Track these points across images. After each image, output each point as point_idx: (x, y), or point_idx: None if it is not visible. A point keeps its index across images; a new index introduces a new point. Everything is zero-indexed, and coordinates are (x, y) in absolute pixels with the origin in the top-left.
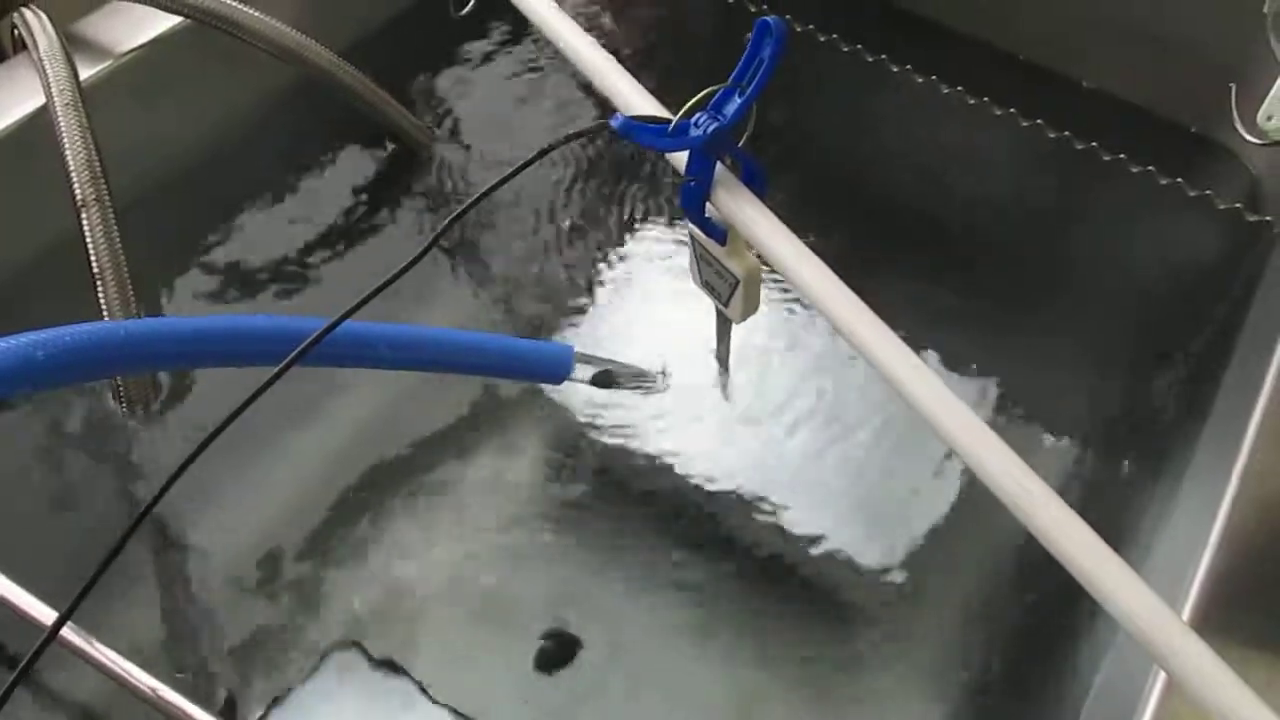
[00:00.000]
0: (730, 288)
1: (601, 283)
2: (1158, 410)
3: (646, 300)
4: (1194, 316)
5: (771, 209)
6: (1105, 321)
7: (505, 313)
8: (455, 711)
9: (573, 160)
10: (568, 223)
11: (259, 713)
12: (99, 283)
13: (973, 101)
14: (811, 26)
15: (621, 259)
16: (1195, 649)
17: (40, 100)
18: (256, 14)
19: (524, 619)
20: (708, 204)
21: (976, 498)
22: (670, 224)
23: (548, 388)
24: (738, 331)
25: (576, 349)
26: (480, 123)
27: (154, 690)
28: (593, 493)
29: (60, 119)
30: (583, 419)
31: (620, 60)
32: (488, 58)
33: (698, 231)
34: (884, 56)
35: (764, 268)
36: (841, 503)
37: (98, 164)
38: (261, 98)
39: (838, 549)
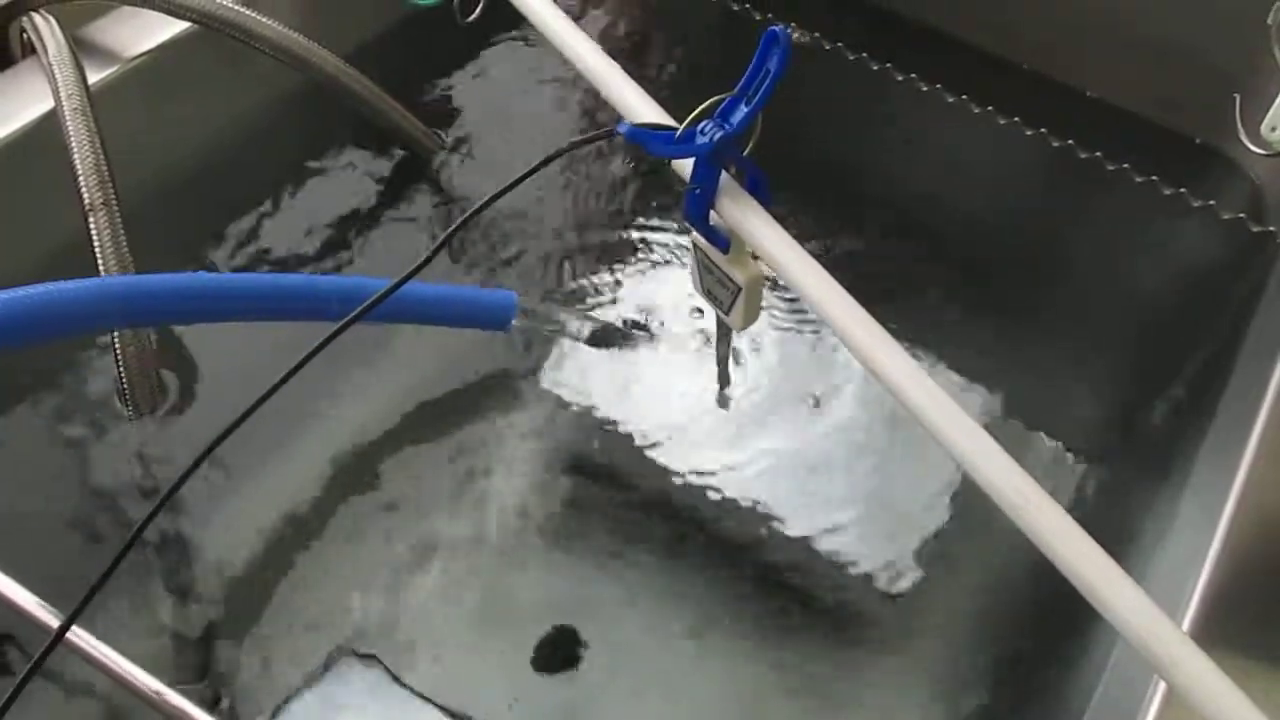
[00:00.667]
0: (732, 296)
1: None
2: (1159, 421)
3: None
4: (1196, 327)
5: (774, 217)
6: (1107, 331)
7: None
8: (454, 715)
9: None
10: (573, 230)
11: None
12: None
13: (977, 110)
14: (816, 34)
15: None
16: (1195, 659)
17: (49, 104)
18: (263, 19)
19: (524, 622)
20: (712, 212)
21: (977, 506)
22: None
23: (552, 383)
24: (741, 338)
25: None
26: (486, 128)
27: (158, 694)
28: (594, 495)
29: (69, 123)
30: (585, 420)
31: (623, 67)
32: (494, 63)
33: (701, 239)
34: (889, 65)
35: (765, 278)
36: (844, 508)
37: (105, 168)
38: (268, 103)
39: (839, 554)
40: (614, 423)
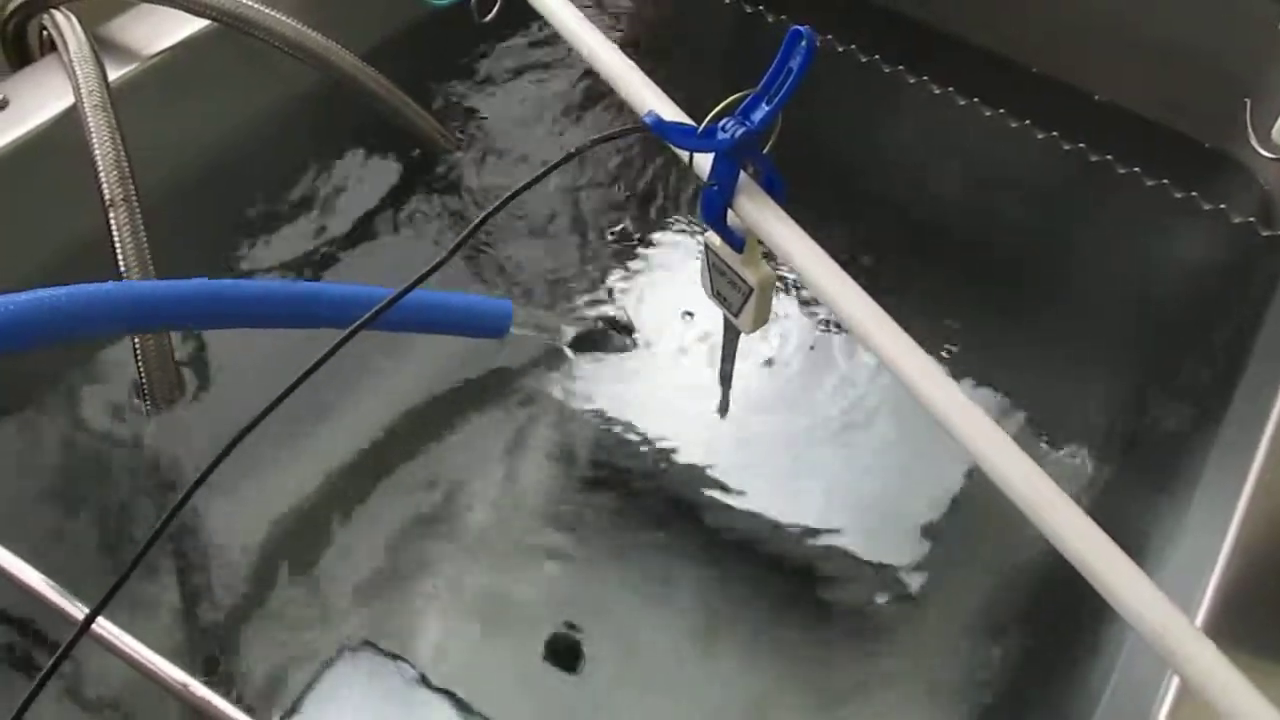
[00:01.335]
0: (743, 297)
1: (619, 287)
2: (1170, 422)
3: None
4: (1207, 330)
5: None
6: (1118, 333)
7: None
8: (463, 705)
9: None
10: (591, 228)
11: (277, 713)
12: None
13: (988, 113)
14: (830, 37)
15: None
16: (1209, 654)
17: (69, 101)
18: (281, 17)
19: (531, 620)
20: (729, 211)
21: (989, 503)
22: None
23: (554, 384)
24: (749, 339)
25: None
26: (504, 127)
27: (184, 685)
28: (598, 495)
29: (89, 119)
30: (589, 422)
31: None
32: (511, 63)
33: (714, 240)
34: (901, 68)
35: (776, 280)
36: (852, 507)
37: (126, 164)
38: (286, 100)
39: (848, 553)
40: (618, 424)
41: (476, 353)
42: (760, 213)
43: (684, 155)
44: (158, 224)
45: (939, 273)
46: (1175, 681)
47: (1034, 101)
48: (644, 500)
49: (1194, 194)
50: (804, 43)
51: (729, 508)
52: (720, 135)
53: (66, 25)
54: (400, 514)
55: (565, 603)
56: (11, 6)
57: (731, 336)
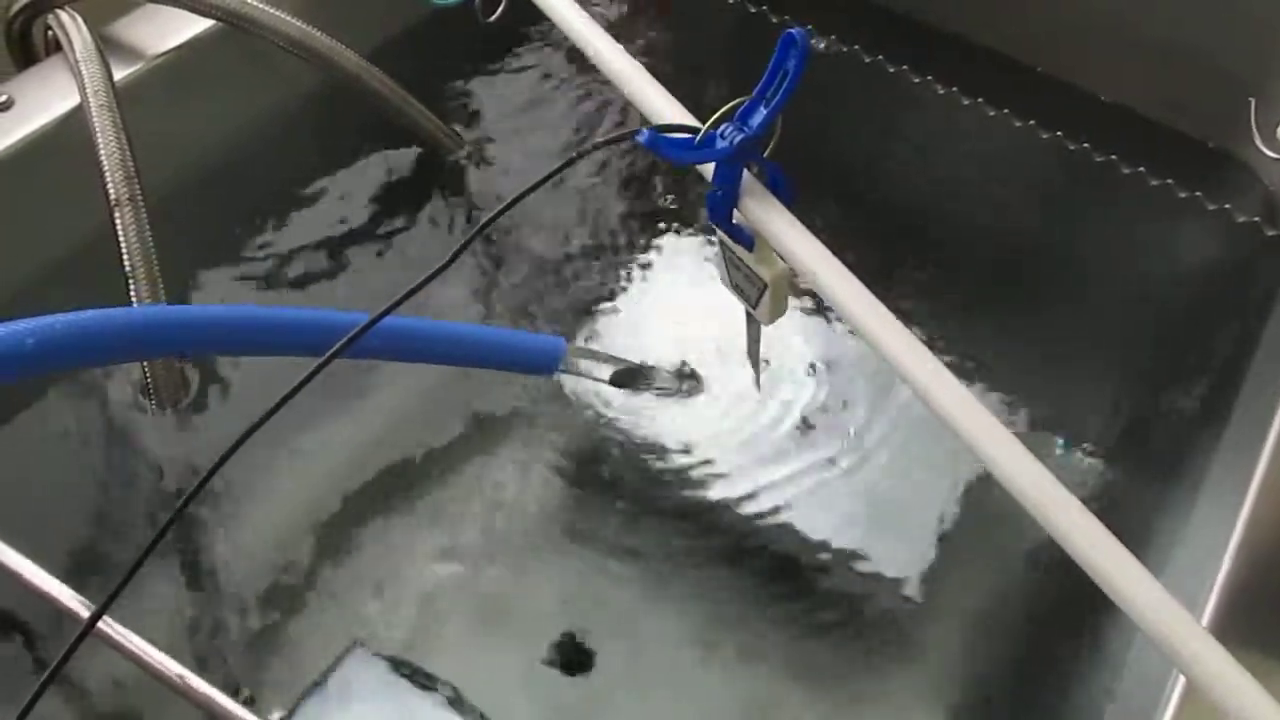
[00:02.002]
0: (759, 291)
1: (625, 288)
2: (1175, 421)
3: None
4: (1211, 329)
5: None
6: (1124, 332)
7: (527, 315)
8: (465, 706)
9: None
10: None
11: (278, 713)
12: (130, 279)
13: (993, 113)
14: (834, 37)
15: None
16: (1215, 654)
17: (75, 100)
18: (286, 17)
19: (536, 622)
20: (735, 211)
21: (993, 504)
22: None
23: (564, 391)
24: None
25: (569, 344)
26: (508, 128)
27: (181, 678)
28: (605, 498)
29: (95, 119)
30: (598, 425)
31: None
32: (516, 63)
33: (726, 237)
34: (905, 68)
35: (791, 274)
36: (855, 510)
37: (131, 163)
38: (291, 100)
39: (851, 556)
40: (627, 429)
41: None
42: (765, 214)
43: None
44: (163, 223)
45: (940, 272)
46: (1182, 681)
47: (1038, 102)
48: (649, 504)
49: (1198, 194)
50: (798, 44)
51: (731, 509)
52: (720, 143)
53: (72, 25)
54: (403, 515)
55: (570, 607)
56: (17, 6)
57: (754, 324)
